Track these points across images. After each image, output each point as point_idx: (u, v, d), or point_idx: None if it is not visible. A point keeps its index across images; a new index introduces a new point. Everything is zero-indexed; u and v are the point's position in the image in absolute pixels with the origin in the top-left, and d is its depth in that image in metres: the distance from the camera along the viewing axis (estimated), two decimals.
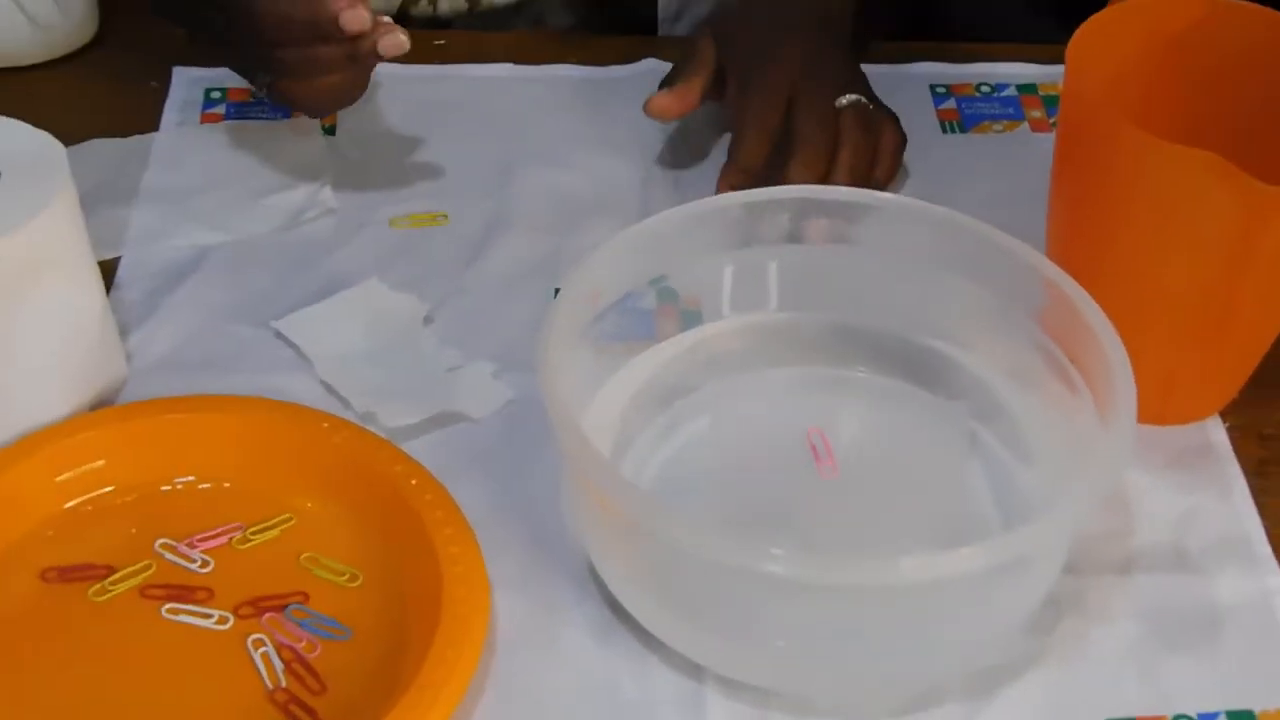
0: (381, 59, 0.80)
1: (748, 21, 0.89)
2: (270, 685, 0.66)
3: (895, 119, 0.87)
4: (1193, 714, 0.67)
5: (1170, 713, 0.67)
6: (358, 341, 0.80)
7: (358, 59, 0.81)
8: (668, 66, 0.93)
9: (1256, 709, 0.67)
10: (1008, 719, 0.67)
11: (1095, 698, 0.68)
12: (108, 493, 0.73)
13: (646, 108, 0.89)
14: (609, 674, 0.68)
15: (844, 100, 0.85)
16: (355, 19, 0.78)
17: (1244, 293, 0.73)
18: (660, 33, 1.06)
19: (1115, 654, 0.69)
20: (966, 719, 0.67)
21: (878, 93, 0.90)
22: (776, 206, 0.76)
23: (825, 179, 0.83)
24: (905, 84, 0.96)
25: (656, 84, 0.91)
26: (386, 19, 0.80)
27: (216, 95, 0.95)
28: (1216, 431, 0.78)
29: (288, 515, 0.73)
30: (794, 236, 0.77)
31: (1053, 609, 0.70)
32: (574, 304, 0.70)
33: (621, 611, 0.69)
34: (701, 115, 0.91)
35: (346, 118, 0.93)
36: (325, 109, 0.88)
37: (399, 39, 0.79)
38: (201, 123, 0.93)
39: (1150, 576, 0.72)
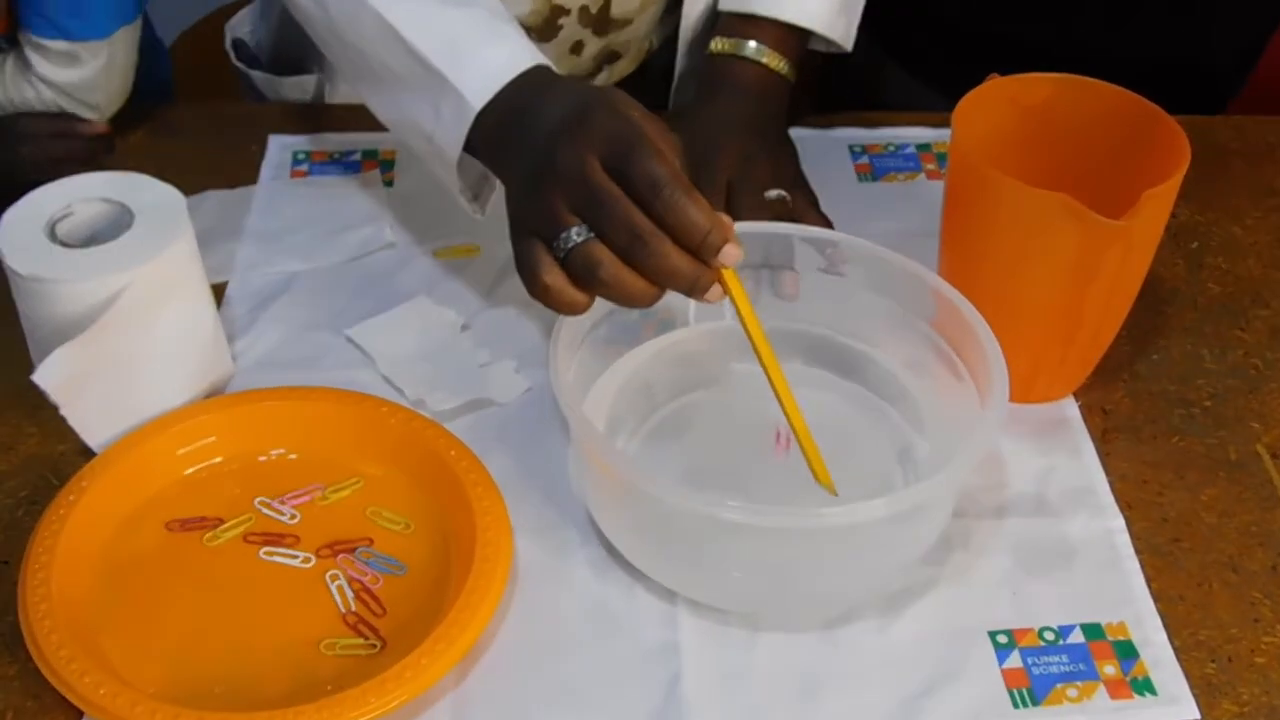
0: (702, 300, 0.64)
1: (697, 123, 0.87)
2: (344, 609, 0.66)
3: (817, 207, 0.85)
4: (1054, 626, 0.67)
5: (1036, 625, 0.67)
6: (410, 345, 0.79)
7: (694, 285, 0.63)
8: None
9: (1103, 622, 0.67)
10: (911, 630, 0.67)
11: (978, 615, 0.67)
12: (218, 462, 0.73)
13: None
14: (604, 599, 0.68)
15: (771, 194, 0.83)
16: (735, 256, 0.62)
17: (1089, 303, 0.73)
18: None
19: (993, 580, 0.69)
20: (879, 630, 0.67)
21: (808, 150, 0.89)
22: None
23: None
24: (829, 145, 0.95)
25: None
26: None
27: (302, 156, 0.94)
28: (1070, 408, 0.78)
29: (357, 479, 0.72)
30: (742, 264, 0.74)
31: (945, 545, 0.70)
32: (576, 316, 0.68)
33: (613, 551, 0.69)
34: None
35: (403, 174, 0.92)
36: (621, 299, 0.64)
37: (735, 252, 0.63)
38: (291, 178, 0.92)
39: (1019, 519, 0.72)
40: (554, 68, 0.71)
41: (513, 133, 0.68)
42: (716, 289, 0.64)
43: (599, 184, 0.62)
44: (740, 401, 0.76)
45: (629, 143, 0.62)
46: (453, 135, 0.71)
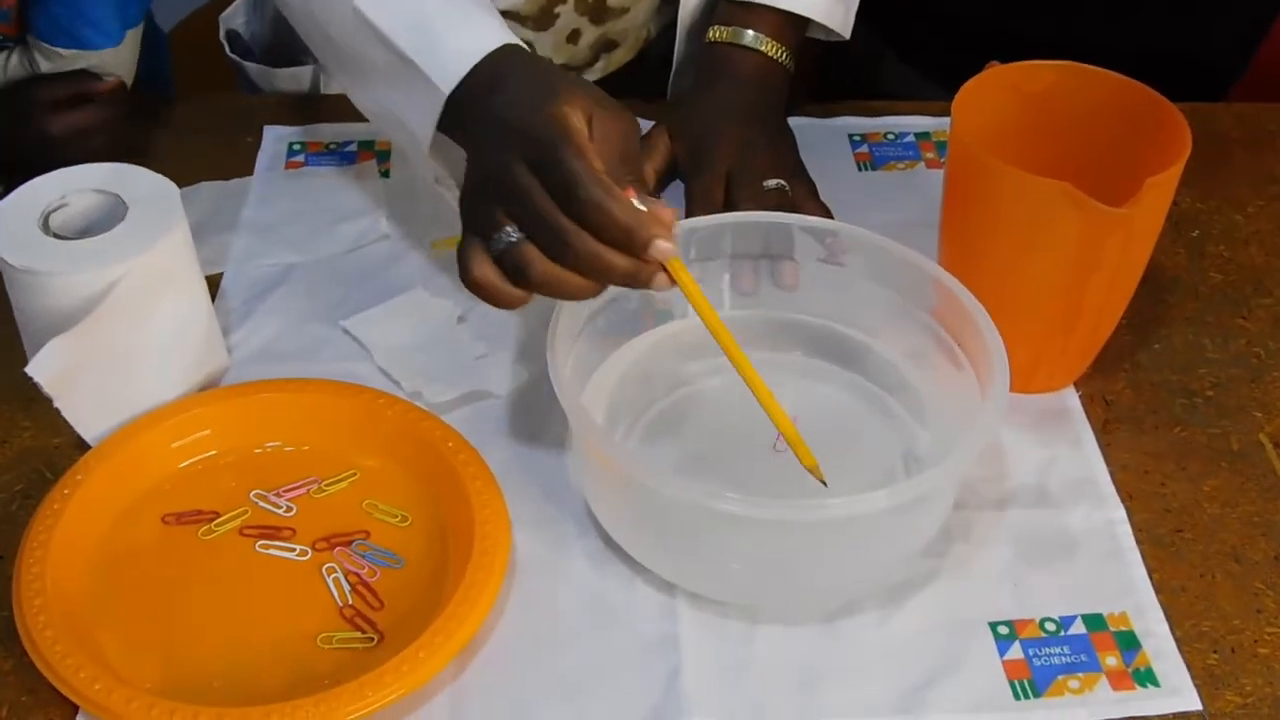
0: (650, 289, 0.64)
1: (695, 112, 0.87)
2: (340, 603, 0.66)
3: (816, 196, 0.84)
4: (1055, 617, 0.67)
5: (1038, 616, 0.67)
6: (407, 336, 0.79)
7: (634, 279, 0.63)
8: (645, 124, 0.91)
9: (1104, 612, 0.67)
10: (912, 622, 0.67)
11: (980, 606, 0.67)
12: (213, 455, 0.72)
13: None
14: (603, 591, 0.67)
15: (770, 184, 0.83)
16: (667, 251, 0.62)
17: (1091, 291, 0.72)
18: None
19: (994, 571, 0.69)
20: (880, 622, 0.67)
21: (808, 139, 0.88)
22: (726, 230, 0.75)
23: None
24: (829, 134, 0.95)
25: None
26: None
27: (298, 147, 0.94)
28: (1071, 398, 0.78)
29: (353, 471, 0.72)
30: (738, 253, 0.76)
31: (946, 537, 0.69)
32: (574, 306, 0.69)
33: (612, 544, 0.68)
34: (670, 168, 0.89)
35: (399, 165, 0.92)
36: (559, 295, 0.64)
37: (664, 280, 0.63)
38: (286, 169, 0.92)
39: (1020, 510, 0.71)
40: (527, 47, 0.70)
41: (472, 123, 0.68)
42: (662, 278, 0.63)
43: (522, 186, 0.62)
44: (739, 393, 0.75)
45: (550, 143, 0.61)
46: (425, 122, 0.70)
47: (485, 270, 0.63)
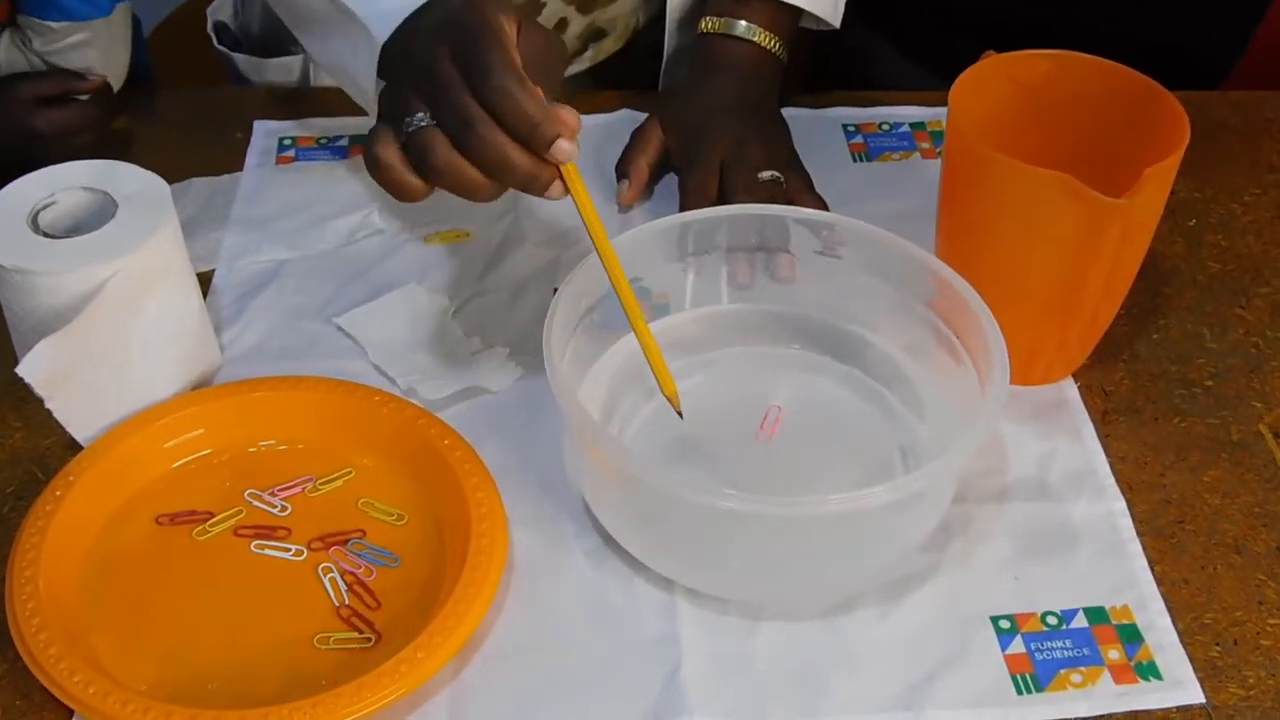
0: (543, 196, 0.64)
1: (688, 104, 0.87)
2: (337, 603, 0.66)
3: (811, 188, 0.84)
4: (1057, 610, 0.66)
5: (1039, 610, 0.67)
6: (401, 332, 0.79)
7: (532, 181, 0.63)
8: (638, 116, 0.91)
9: (1106, 605, 0.67)
10: (912, 618, 0.66)
11: (980, 600, 0.67)
12: (206, 454, 0.72)
13: (618, 204, 0.87)
14: (602, 589, 0.67)
15: (765, 176, 0.82)
16: (568, 152, 0.62)
17: (1090, 282, 0.72)
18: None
19: (995, 565, 0.68)
20: (880, 618, 0.66)
21: (802, 130, 0.88)
22: (722, 223, 0.75)
23: None
24: (823, 124, 0.95)
25: (630, 130, 0.89)
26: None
27: (288, 142, 0.93)
28: (1070, 390, 0.77)
29: (349, 469, 0.72)
30: (734, 246, 0.76)
31: (945, 531, 0.69)
32: (570, 301, 0.69)
33: (611, 541, 0.68)
34: (663, 161, 0.89)
35: None
36: (457, 189, 0.64)
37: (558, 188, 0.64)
38: (277, 164, 0.92)
39: (1020, 504, 0.71)
40: None
41: (405, 47, 0.68)
42: (557, 186, 0.63)
43: (438, 71, 0.62)
44: (732, 386, 0.76)
45: (471, 33, 0.62)
46: (366, 70, 0.71)
47: (389, 152, 0.63)
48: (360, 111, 0.78)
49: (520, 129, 0.61)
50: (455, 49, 0.62)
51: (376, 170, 0.64)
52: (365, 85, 0.72)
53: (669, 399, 0.66)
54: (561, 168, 0.63)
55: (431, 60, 0.63)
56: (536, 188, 0.63)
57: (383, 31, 0.68)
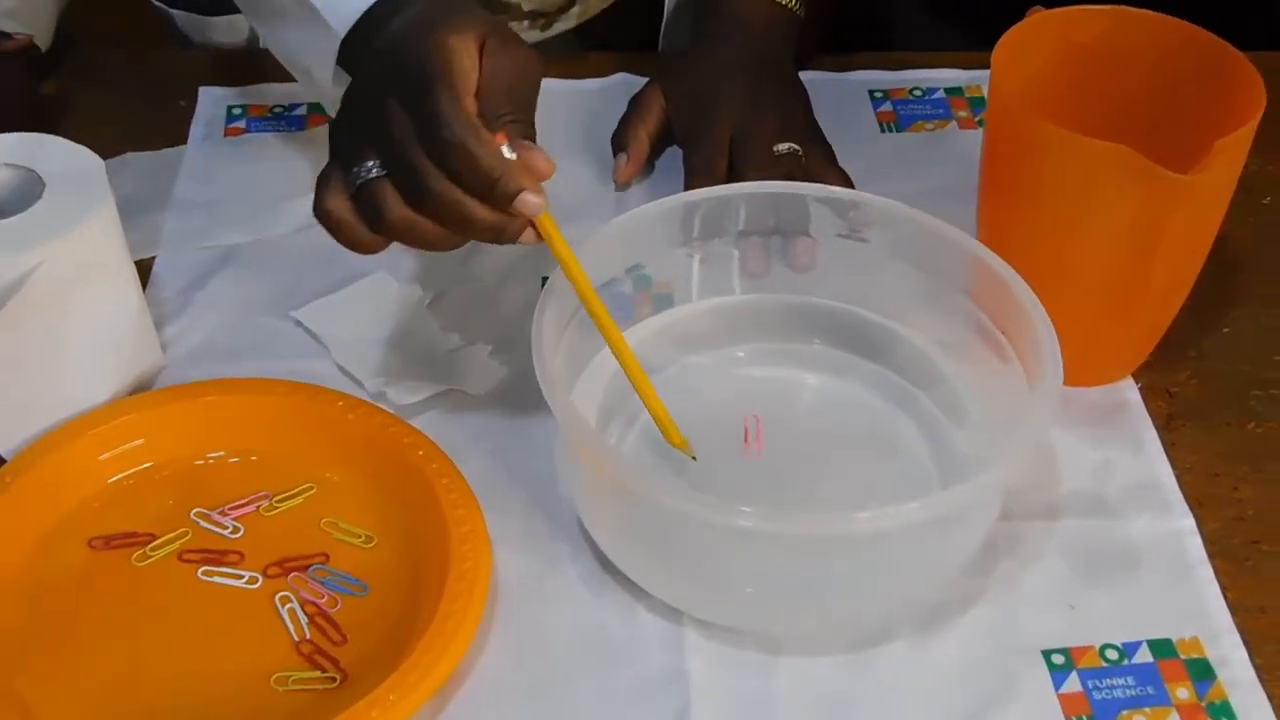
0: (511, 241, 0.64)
1: (691, 68, 0.87)
2: (297, 637, 0.66)
3: (834, 162, 0.84)
4: (1117, 643, 0.66)
5: (1097, 643, 0.66)
6: (368, 328, 0.79)
7: (499, 234, 0.63)
8: (637, 81, 0.91)
9: (1173, 637, 0.67)
10: (952, 652, 0.66)
11: (1030, 631, 0.67)
12: (147, 468, 0.72)
13: (615, 181, 0.87)
14: (600, 620, 0.67)
15: (780, 149, 0.82)
16: (534, 207, 0.62)
17: (1152, 270, 0.72)
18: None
19: (1046, 591, 0.68)
20: (915, 653, 0.66)
21: (823, 96, 0.88)
22: (732, 203, 0.75)
23: None
24: (847, 90, 0.95)
25: (628, 97, 0.89)
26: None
27: (238, 111, 0.93)
28: (1130, 391, 0.77)
29: (309, 485, 0.71)
30: (746, 229, 0.76)
31: (990, 552, 0.69)
32: (561, 291, 0.68)
33: (610, 565, 0.68)
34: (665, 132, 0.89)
35: None
36: (415, 244, 0.65)
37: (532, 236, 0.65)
38: (225, 136, 0.92)
39: (1075, 521, 0.71)
40: None
41: (363, 56, 0.68)
42: (529, 234, 0.64)
43: (388, 118, 0.62)
44: (745, 388, 0.76)
45: (421, 75, 0.62)
46: (324, 64, 0.71)
47: (339, 203, 0.64)
48: None
49: (478, 186, 0.61)
50: (404, 92, 0.62)
51: (326, 223, 0.64)
52: (320, 79, 0.72)
53: (679, 449, 0.67)
54: (539, 223, 0.64)
55: (380, 105, 0.62)
56: (505, 238, 0.64)
57: (342, 25, 0.69)
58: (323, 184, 0.64)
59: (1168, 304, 0.76)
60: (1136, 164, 0.66)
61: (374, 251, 0.65)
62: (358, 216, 0.64)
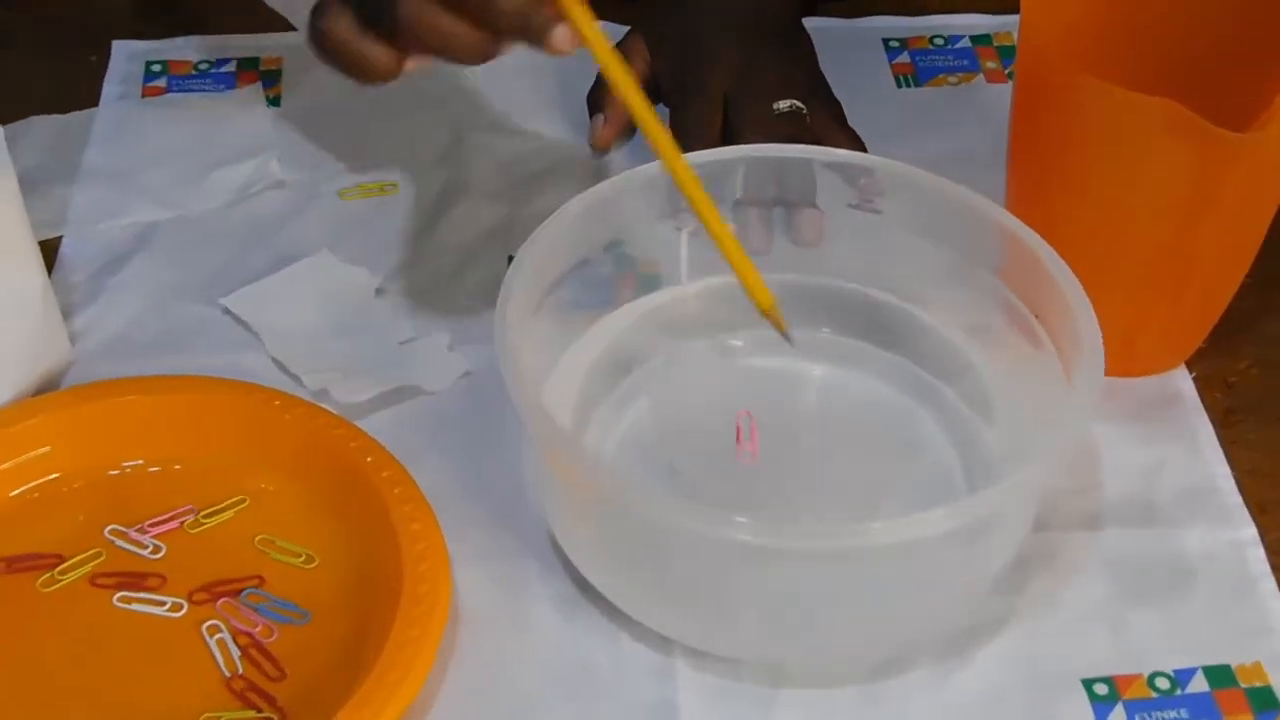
0: (547, 49, 0.65)
1: (680, 21, 0.87)
2: (227, 672, 0.65)
3: (843, 121, 0.84)
4: (1169, 671, 0.66)
5: (1146, 671, 0.66)
6: (309, 317, 0.79)
7: (527, 29, 0.64)
8: (617, 30, 0.91)
9: (1233, 663, 0.67)
10: (980, 682, 0.66)
11: (1069, 658, 0.67)
12: (54, 480, 0.72)
13: (592, 146, 0.87)
14: (577, 650, 0.67)
15: (782, 106, 0.82)
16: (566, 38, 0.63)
17: (1206, 241, 0.72)
18: None
19: (1087, 612, 0.69)
20: (938, 682, 0.66)
21: (830, 46, 0.88)
22: (728, 170, 0.74)
23: None
24: (858, 39, 0.95)
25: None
26: None
27: (158, 68, 0.93)
28: (1182, 381, 0.78)
29: (241, 497, 0.71)
30: (744, 199, 0.76)
31: (1022, 568, 0.69)
32: (530, 272, 0.68)
33: (587, 586, 0.68)
34: (650, 88, 0.89)
35: (294, 88, 0.92)
36: (440, 47, 0.65)
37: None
38: (143, 97, 0.92)
39: (1120, 531, 0.71)
40: None
41: None
42: (564, 33, 0.63)
43: None
44: (742, 382, 0.76)
45: None
46: None
47: (340, 20, 0.64)
48: (254, 24, 0.78)
49: None
50: None
51: (324, 45, 0.64)
52: None
53: (767, 315, 0.66)
54: (564, 3, 0.63)
55: None
56: (532, 33, 0.63)
57: None
58: (319, 9, 0.64)
59: (1225, 281, 0.76)
60: (1188, 121, 0.66)
61: (387, 76, 0.65)
62: (363, 31, 0.64)
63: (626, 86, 0.65)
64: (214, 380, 0.73)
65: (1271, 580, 0.69)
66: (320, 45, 0.65)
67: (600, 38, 0.65)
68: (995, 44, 0.95)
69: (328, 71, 0.89)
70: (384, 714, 0.61)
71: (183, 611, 0.67)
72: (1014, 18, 0.72)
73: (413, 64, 0.66)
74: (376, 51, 0.64)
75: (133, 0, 0.98)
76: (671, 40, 0.87)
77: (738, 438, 0.72)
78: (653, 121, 0.65)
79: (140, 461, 0.72)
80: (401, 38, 0.64)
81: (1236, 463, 0.74)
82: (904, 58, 0.94)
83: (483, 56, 0.65)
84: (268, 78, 0.92)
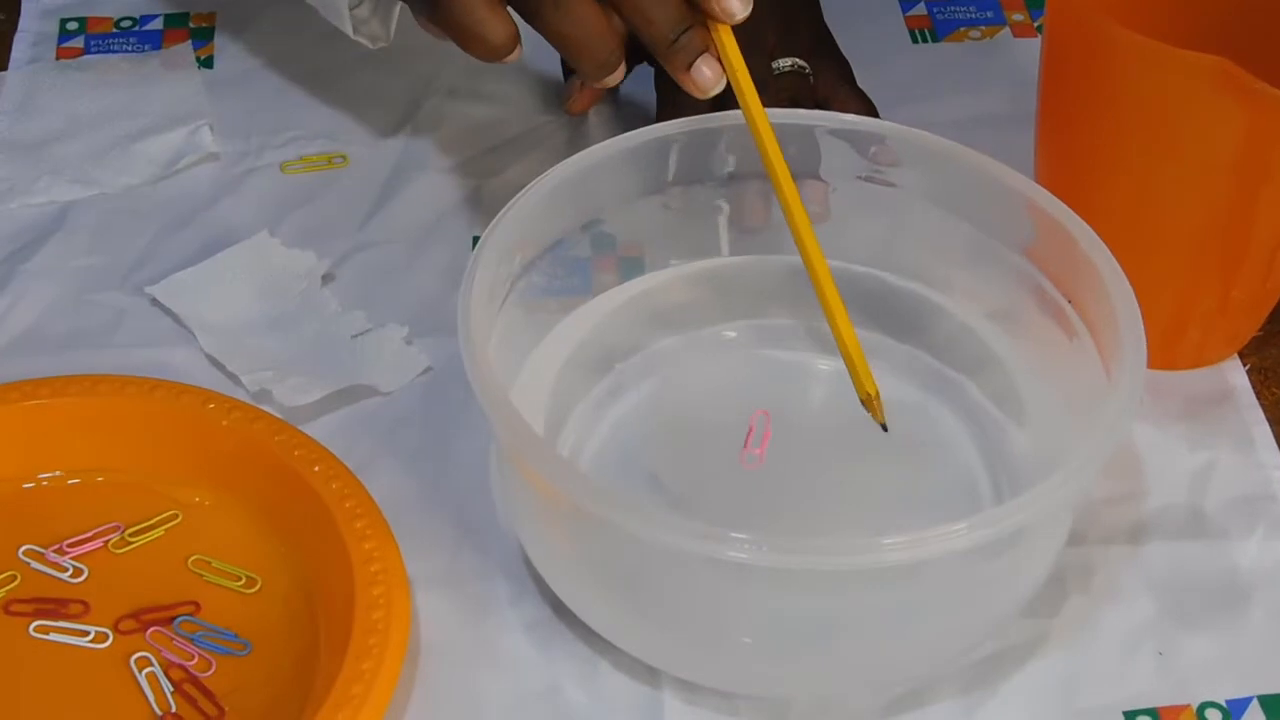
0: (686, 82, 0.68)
1: None
2: (159, 711, 0.66)
3: (852, 82, 0.85)
4: (1220, 701, 0.67)
5: (1195, 701, 0.67)
6: (248, 307, 0.79)
7: (671, 52, 0.67)
8: None
9: None
10: (1009, 716, 0.66)
11: (1109, 688, 0.67)
12: None
13: (566, 111, 0.89)
14: (552, 682, 0.67)
15: (783, 65, 0.83)
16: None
17: (1261, 215, 0.72)
18: None
19: (1129, 636, 0.69)
20: (965, 715, 0.66)
21: (838, 1, 0.88)
22: (720, 138, 0.75)
23: None
24: None
25: None
26: None
27: (74, 26, 0.93)
28: (1235, 375, 0.78)
29: (173, 512, 0.72)
30: (740, 172, 0.76)
31: (1057, 587, 0.69)
32: (498, 255, 0.68)
33: (563, 610, 0.68)
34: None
35: (228, 47, 0.92)
36: (562, 29, 0.67)
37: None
38: (57, 58, 0.92)
39: (1165, 544, 0.72)
40: None
41: None
42: (710, 68, 0.67)
43: None
44: (737, 378, 0.76)
45: None
46: None
47: None
48: None
49: None
50: None
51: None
52: None
53: (866, 404, 0.67)
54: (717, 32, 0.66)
55: None
56: (675, 55, 0.67)
57: None
58: None
59: None
60: (1240, 81, 0.66)
61: (499, 55, 0.67)
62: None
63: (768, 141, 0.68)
64: (140, 380, 0.73)
65: None
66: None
67: (750, 84, 0.67)
68: None
69: (266, 28, 0.90)
70: None
71: (108, 642, 0.67)
72: None
73: (519, 53, 0.68)
74: (498, 23, 0.66)
75: None
76: None
77: (747, 440, 0.72)
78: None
79: (58, 472, 0.72)
80: (538, 17, 0.65)
81: None
82: (920, 9, 0.95)
83: (604, 67, 0.67)
84: (198, 36, 0.93)
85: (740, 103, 0.68)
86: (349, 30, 0.79)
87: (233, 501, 0.71)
